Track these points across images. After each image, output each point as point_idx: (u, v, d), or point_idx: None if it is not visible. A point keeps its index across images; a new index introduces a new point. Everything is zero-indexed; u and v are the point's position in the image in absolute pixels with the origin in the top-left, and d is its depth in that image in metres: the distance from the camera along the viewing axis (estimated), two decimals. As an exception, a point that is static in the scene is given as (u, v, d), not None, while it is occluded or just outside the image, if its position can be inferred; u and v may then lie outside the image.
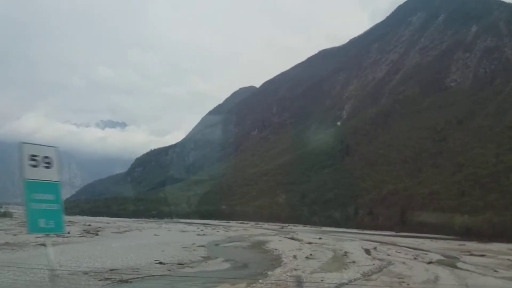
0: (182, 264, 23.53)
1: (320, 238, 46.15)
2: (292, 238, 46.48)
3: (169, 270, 21.22)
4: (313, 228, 78.02)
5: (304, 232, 61.98)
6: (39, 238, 36.36)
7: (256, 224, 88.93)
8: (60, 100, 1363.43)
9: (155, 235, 46.14)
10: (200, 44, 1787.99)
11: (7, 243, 30.82)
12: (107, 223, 74.93)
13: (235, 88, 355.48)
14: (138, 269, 20.29)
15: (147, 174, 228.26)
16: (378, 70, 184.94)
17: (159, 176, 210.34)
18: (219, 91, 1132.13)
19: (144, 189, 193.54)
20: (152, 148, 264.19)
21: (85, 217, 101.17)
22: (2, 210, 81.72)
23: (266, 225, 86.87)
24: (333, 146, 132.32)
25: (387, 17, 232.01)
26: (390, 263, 27.11)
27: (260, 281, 18.34)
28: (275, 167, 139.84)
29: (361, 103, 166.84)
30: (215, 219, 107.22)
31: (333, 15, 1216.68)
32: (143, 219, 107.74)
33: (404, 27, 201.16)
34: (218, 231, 57.60)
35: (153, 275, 18.87)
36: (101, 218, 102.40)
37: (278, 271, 21.76)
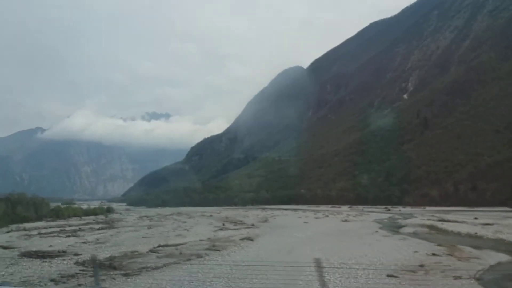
0: (451, 255, 20.39)
1: (476, 218, 42.35)
2: (443, 220, 42.84)
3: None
4: (419, 209, 73.82)
5: (424, 213, 58.14)
6: (230, 231, 34.22)
7: (351, 207, 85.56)
8: (106, 97, 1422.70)
9: (304, 222, 44.02)
10: (236, 30, 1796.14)
11: (209, 239, 27.29)
12: (218, 212, 74.22)
13: (278, 70, 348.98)
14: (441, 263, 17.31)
15: (204, 162, 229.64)
16: (442, 38, 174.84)
17: (218, 163, 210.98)
18: (260, 75, 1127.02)
19: (205, 176, 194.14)
20: (205, 137, 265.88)
21: (176, 209, 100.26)
22: (105, 206, 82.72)
23: (360, 207, 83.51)
24: (408, 120, 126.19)
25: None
26: None
27: None
28: (346, 147, 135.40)
29: (428, 73, 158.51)
30: (297, 204, 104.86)
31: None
32: (226, 207, 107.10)
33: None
34: (348, 217, 54.49)
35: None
36: (192, 208, 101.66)
37: None
